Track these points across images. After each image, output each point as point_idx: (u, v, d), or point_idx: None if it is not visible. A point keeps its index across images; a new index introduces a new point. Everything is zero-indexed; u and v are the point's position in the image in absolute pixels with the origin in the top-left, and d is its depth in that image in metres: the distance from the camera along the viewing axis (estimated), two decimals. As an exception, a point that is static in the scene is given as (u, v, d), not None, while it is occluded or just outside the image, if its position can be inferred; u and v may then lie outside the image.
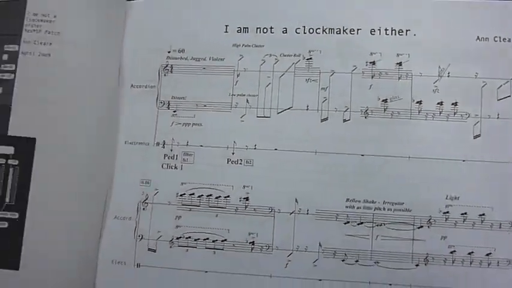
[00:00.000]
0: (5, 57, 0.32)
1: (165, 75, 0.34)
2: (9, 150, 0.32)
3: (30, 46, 0.32)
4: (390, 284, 0.30)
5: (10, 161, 0.31)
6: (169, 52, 0.34)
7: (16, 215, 0.31)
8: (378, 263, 0.30)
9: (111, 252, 0.32)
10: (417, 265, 0.30)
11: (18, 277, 0.30)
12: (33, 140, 0.31)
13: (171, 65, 0.34)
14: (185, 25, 0.34)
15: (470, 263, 0.30)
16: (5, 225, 0.31)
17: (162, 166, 0.33)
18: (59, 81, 0.32)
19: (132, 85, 0.34)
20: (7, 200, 0.31)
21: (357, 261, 0.31)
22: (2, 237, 0.31)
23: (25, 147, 0.31)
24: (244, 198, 0.32)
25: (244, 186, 0.32)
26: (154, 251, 0.32)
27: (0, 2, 0.33)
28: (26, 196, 0.31)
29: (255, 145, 0.32)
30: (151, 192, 0.32)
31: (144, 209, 0.32)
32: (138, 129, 0.34)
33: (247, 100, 0.33)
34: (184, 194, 0.32)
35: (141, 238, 0.32)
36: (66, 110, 0.32)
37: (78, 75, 0.32)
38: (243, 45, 0.33)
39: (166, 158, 0.33)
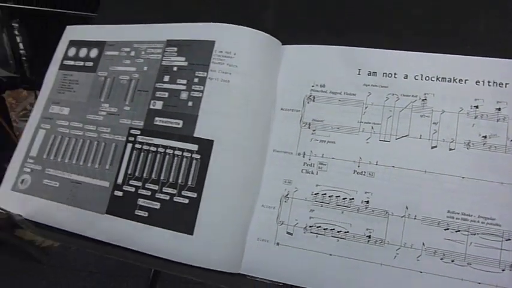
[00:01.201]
0: (196, 80, 0.45)
1: (308, 102, 0.45)
2: (194, 147, 0.43)
3: (215, 74, 0.45)
4: (479, 283, 0.38)
5: (194, 155, 0.43)
6: (312, 86, 0.45)
7: (195, 195, 0.42)
8: (470, 264, 0.38)
9: (258, 232, 0.43)
10: (503, 270, 0.38)
11: (191, 240, 0.42)
12: (212, 141, 0.43)
13: (314, 96, 0.45)
14: (327, 67, 0.45)
15: (550, 273, 0.37)
16: (186, 201, 0.43)
17: (302, 171, 0.43)
18: (233, 101, 0.44)
19: (282, 108, 0.45)
20: (189, 183, 0.43)
21: (452, 261, 0.39)
22: (183, 210, 0.42)
23: (205, 146, 0.43)
24: (365, 201, 0.41)
25: (365, 192, 0.41)
26: (291, 234, 0.42)
27: (196, 41, 0.46)
28: (203, 181, 0.42)
29: (377, 161, 0.42)
30: (292, 190, 0.43)
31: (285, 201, 0.43)
32: (284, 141, 0.44)
33: (372, 127, 0.43)
34: (318, 193, 0.42)
35: (282, 223, 0.42)
36: (235, 122, 0.43)
37: (246, 97, 0.44)
38: (371, 85, 0.44)
39: (305, 165, 0.43)
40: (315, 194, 0.42)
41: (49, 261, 1.56)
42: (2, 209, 0.44)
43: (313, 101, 0.44)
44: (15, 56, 1.44)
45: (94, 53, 0.52)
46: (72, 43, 0.54)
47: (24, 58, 1.44)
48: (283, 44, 0.47)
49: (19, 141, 0.52)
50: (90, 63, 0.51)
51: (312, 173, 0.43)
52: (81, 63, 0.52)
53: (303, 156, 0.43)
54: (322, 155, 0.43)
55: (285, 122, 0.45)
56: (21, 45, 1.42)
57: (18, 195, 0.49)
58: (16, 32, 1.41)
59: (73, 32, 0.54)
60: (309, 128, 0.44)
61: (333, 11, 0.48)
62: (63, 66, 0.53)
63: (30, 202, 0.48)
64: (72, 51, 0.53)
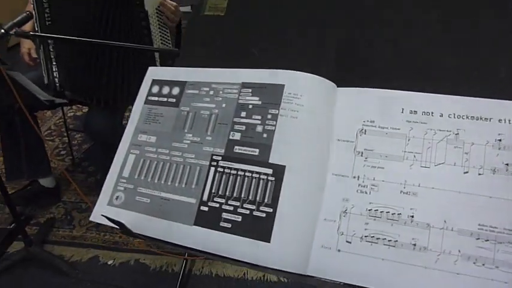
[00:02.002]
0: (269, 116, 0.55)
1: (360, 135, 0.55)
2: (269, 171, 0.54)
3: (285, 111, 0.55)
4: (506, 282, 0.47)
5: (269, 178, 0.53)
6: (364, 121, 0.55)
7: (271, 210, 0.52)
8: (498, 267, 0.48)
9: (321, 240, 0.52)
10: (525, 272, 0.47)
11: (268, 247, 0.51)
12: (284, 166, 0.53)
13: (365, 129, 0.55)
14: (375, 106, 0.56)
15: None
16: (264, 215, 0.52)
17: (357, 191, 0.53)
18: (300, 133, 0.54)
19: (338, 139, 0.56)
20: (266, 200, 0.53)
21: (483, 264, 0.48)
22: (261, 222, 0.52)
23: (279, 170, 0.53)
24: (410, 216, 0.51)
25: (410, 209, 0.51)
26: (350, 242, 0.52)
27: (269, 84, 0.56)
28: (277, 199, 0.52)
29: (419, 184, 0.52)
30: (349, 206, 0.53)
31: (344, 216, 0.53)
32: (341, 166, 0.54)
33: (414, 156, 0.53)
34: (371, 209, 0.52)
35: (342, 234, 0.52)
36: (302, 150, 0.54)
37: (310, 130, 0.54)
38: (412, 121, 0.54)
39: (360, 186, 0.53)
40: (369, 210, 0.52)
41: (77, 275, 1.64)
42: (111, 220, 0.53)
43: (365, 133, 0.55)
44: (48, 72, 1.57)
45: (176, 91, 0.62)
46: (155, 82, 0.64)
47: (55, 73, 1.57)
48: (338, 87, 0.58)
49: (112, 164, 0.62)
50: (173, 100, 0.62)
51: (366, 192, 0.53)
52: (165, 99, 0.62)
53: (358, 179, 0.53)
54: (374, 178, 0.53)
55: (341, 150, 0.55)
56: (54, 61, 1.55)
57: (114, 209, 0.59)
58: (51, 48, 1.54)
59: (155, 73, 0.65)
60: (362, 156, 0.54)
61: (379, 60, 0.59)
62: (148, 101, 0.64)
63: (125, 215, 0.58)
64: (155, 89, 0.64)
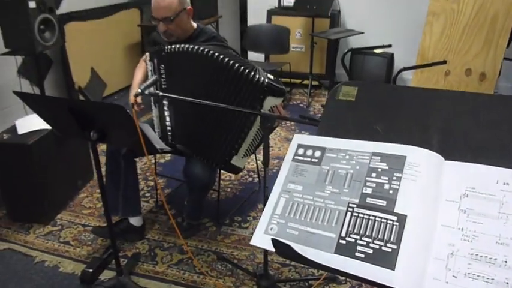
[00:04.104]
0: (394, 178, 0.76)
1: (464, 197, 0.75)
2: (394, 218, 0.74)
3: (407, 175, 0.76)
4: None
5: (394, 223, 0.73)
6: (466, 188, 0.75)
7: (395, 247, 0.72)
8: None
9: (433, 273, 0.70)
10: None
11: (393, 274, 0.70)
12: (405, 215, 0.73)
13: (467, 194, 0.74)
14: (476, 177, 0.75)
15: None
16: (390, 250, 0.72)
17: (461, 239, 0.71)
18: (418, 193, 0.74)
19: (446, 199, 0.75)
20: (391, 239, 0.72)
21: None
22: (388, 255, 0.72)
23: (402, 218, 0.73)
24: (504, 261, 0.68)
25: (504, 256, 0.68)
26: (456, 277, 0.69)
27: (394, 155, 0.78)
28: (400, 239, 0.72)
29: (511, 237, 0.70)
30: (455, 250, 0.71)
31: (451, 256, 0.71)
32: (448, 219, 0.73)
33: (507, 216, 0.71)
34: (472, 253, 0.70)
35: (449, 270, 0.70)
36: (420, 205, 0.74)
37: (425, 191, 0.75)
38: (506, 190, 0.73)
39: (463, 235, 0.71)
40: (471, 254, 0.70)
41: (159, 306, 1.82)
42: (278, 242, 0.75)
43: (467, 197, 0.74)
44: (162, 126, 1.89)
45: (317, 153, 0.85)
46: (300, 145, 0.88)
47: (168, 128, 1.88)
48: (445, 160, 0.78)
49: (266, 203, 0.84)
50: (316, 160, 0.85)
51: (468, 241, 0.71)
52: (309, 159, 0.85)
53: (462, 230, 0.72)
54: (475, 230, 0.72)
55: (449, 208, 0.74)
56: (167, 118, 1.87)
57: (269, 237, 0.80)
58: (165, 108, 1.86)
59: (300, 139, 0.89)
60: (465, 213, 0.73)
61: (480, 142, 0.79)
62: (295, 160, 0.87)
63: (278, 242, 0.79)
64: (300, 151, 0.87)
